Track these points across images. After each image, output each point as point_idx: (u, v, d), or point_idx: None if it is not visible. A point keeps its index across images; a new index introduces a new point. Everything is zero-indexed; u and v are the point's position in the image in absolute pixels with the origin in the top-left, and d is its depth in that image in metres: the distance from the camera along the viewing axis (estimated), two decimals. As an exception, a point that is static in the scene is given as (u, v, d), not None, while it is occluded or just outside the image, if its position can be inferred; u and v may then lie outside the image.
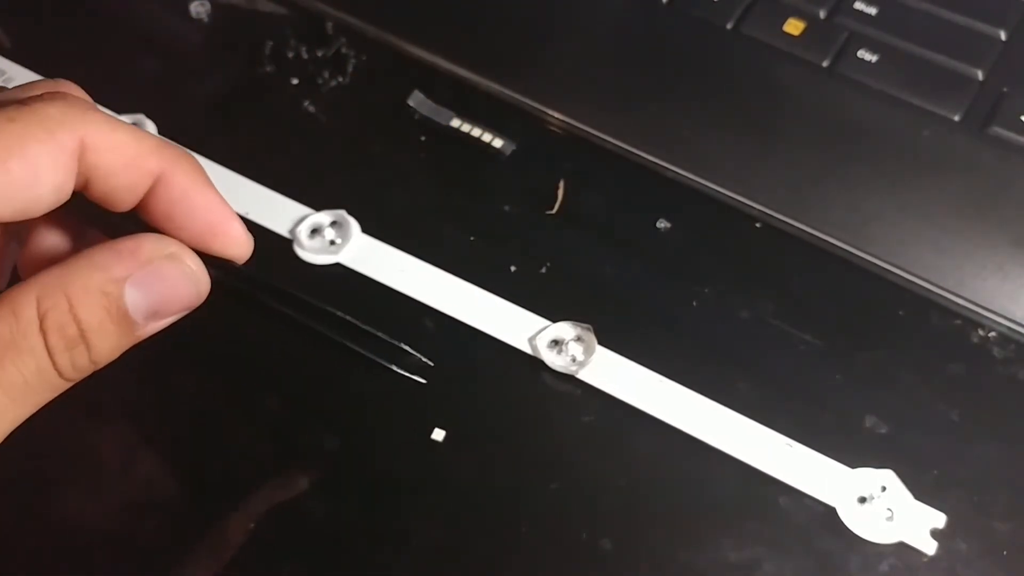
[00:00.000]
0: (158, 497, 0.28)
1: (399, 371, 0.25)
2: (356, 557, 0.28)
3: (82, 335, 0.20)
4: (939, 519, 0.28)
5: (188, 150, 0.22)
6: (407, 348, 0.25)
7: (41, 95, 0.20)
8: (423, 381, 0.25)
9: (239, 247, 0.22)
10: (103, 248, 0.20)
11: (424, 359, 0.25)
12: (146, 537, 0.28)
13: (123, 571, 0.27)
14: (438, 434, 0.29)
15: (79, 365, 0.20)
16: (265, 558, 0.28)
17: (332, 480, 0.29)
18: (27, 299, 0.20)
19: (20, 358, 0.20)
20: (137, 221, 0.22)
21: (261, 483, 0.29)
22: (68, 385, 0.21)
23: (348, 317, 0.24)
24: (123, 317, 0.20)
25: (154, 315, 0.21)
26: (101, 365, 0.21)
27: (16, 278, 0.21)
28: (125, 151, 0.21)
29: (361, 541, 0.28)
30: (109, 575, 0.27)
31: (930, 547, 0.27)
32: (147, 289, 0.21)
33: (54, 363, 0.20)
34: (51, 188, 0.20)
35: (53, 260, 0.21)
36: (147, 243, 0.21)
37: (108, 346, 0.21)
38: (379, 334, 0.24)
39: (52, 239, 0.23)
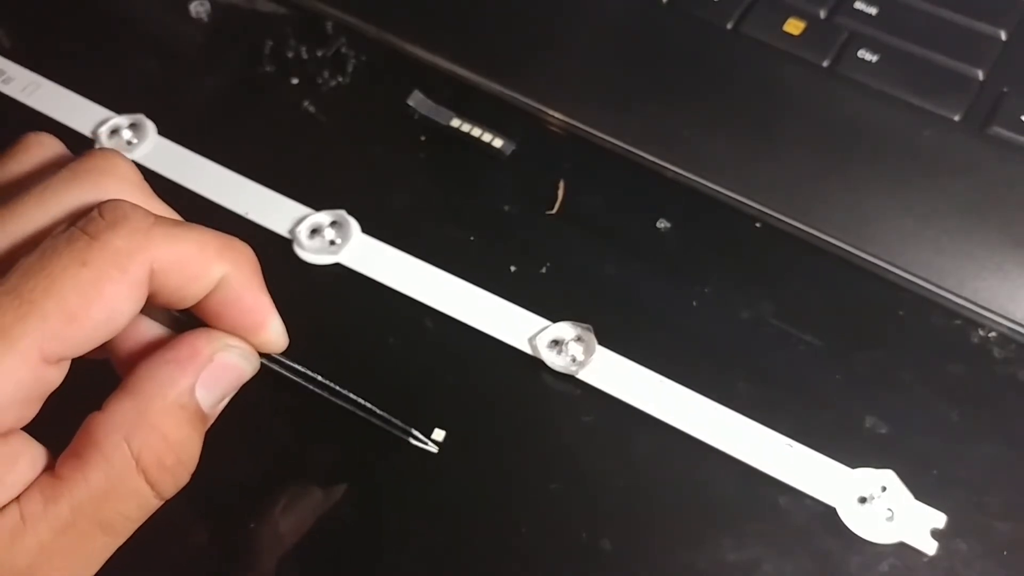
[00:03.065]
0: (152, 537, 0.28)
1: (413, 441, 0.29)
2: (355, 557, 0.28)
3: (178, 458, 0.21)
4: (939, 519, 0.28)
5: (244, 244, 0.23)
6: (415, 437, 0.29)
7: (102, 212, 0.20)
8: (434, 450, 0.29)
9: (277, 345, 0.24)
10: (163, 363, 0.21)
11: (428, 445, 0.29)
12: (145, 538, 0.28)
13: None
14: (438, 434, 0.29)
15: (180, 483, 0.21)
16: (264, 558, 0.28)
17: (331, 481, 0.29)
18: (114, 441, 0.20)
19: (121, 502, 0.20)
20: None
21: (260, 484, 0.29)
22: (164, 502, 0.21)
23: (365, 402, 0.28)
24: (200, 418, 0.21)
25: (220, 400, 0.22)
26: (193, 470, 0.22)
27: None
28: (190, 266, 0.21)
29: (360, 541, 0.28)
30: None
31: (930, 547, 0.27)
32: (214, 385, 0.22)
33: (158, 493, 0.21)
34: (128, 317, 0.20)
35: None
36: (201, 344, 0.22)
37: (196, 452, 0.21)
38: (393, 419, 0.29)
39: None
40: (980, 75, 0.36)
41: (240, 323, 0.23)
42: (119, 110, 0.37)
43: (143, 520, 0.21)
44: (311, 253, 0.33)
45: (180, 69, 0.40)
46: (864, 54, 0.37)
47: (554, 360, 0.30)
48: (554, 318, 0.31)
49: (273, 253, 0.33)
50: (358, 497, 0.29)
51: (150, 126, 0.37)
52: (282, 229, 0.34)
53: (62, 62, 0.39)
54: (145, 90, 0.39)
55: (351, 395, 0.28)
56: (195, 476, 0.22)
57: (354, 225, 0.34)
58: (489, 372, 0.31)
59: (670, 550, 0.27)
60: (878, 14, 0.38)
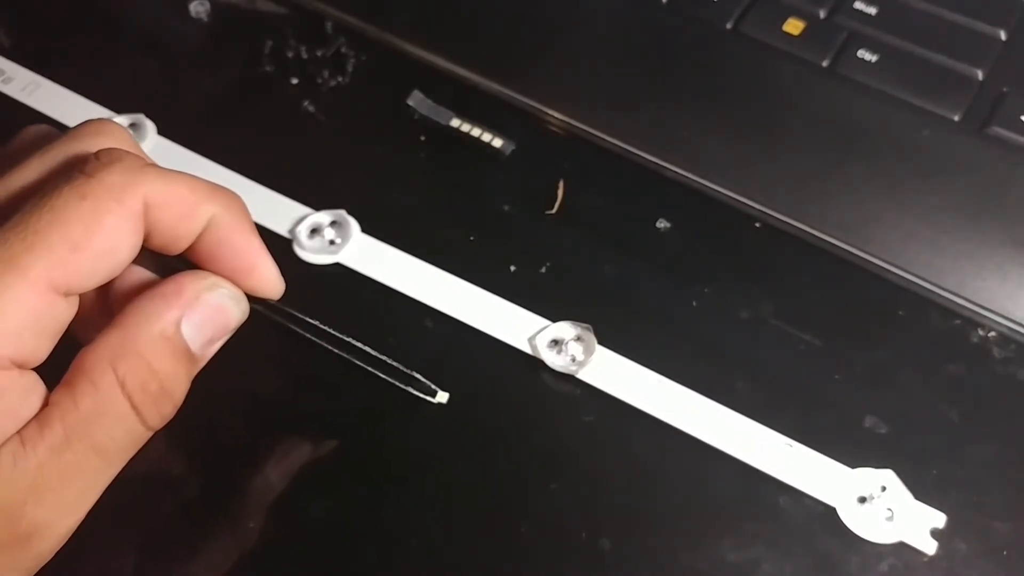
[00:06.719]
0: (158, 495, 0.28)
1: (413, 392, 0.29)
2: (355, 557, 0.28)
3: (162, 386, 0.21)
4: (939, 519, 0.28)
5: (234, 191, 0.24)
6: (419, 376, 0.29)
7: (98, 156, 0.22)
8: (433, 400, 0.29)
9: (271, 287, 0.24)
10: (150, 298, 0.22)
11: (433, 386, 0.29)
12: (144, 535, 0.28)
13: (120, 566, 0.27)
14: (442, 396, 0.29)
15: (165, 413, 0.22)
16: (262, 556, 0.28)
17: (331, 481, 0.29)
18: (101, 367, 0.21)
19: (109, 425, 0.21)
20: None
21: (259, 479, 0.29)
22: (152, 433, 0.22)
23: (363, 346, 0.28)
24: (186, 353, 0.22)
25: (209, 342, 0.23)
26: (180, 405, 0.22)
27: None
28: (182, 204, 0.22)
29: (359, 541, 0.28)
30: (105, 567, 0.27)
31: (930, 547, 0.27)
32: (200, 321, 0.22)
33: (143, 420, 0.21)
34: (128, 251, 0.21)
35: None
36: (187, 281, 0.22)
37: (181, 386, 0.22)
38: (393, 363, 0.28)
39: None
40: (980, 75, 0.36)
41: (233, 265, 0.23)
42: (119, 110, 0.37)
43: (132, 449, 0.22)
44: (311, 253, 0.33)
45: (180, 69, 0.40)
46: (864, 54, 0.37)
47: (554, 360, 0.30)
48: (554, 318, 0.31)
49: (273, 253, 0.33)
50: (355, 497, 0.29)
51: (150, 126, 0.37)
52: (282, 229, 0.34)
53: (62, 62, 0.39)
54: (145, 90, 0.39)
55: (353, 341, 0.28)
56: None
57: (354, 225, 0.34)
58: (489, 372, 0.31)
59: (670, 550, 0.27)
60: (878, 14, 0.38)
